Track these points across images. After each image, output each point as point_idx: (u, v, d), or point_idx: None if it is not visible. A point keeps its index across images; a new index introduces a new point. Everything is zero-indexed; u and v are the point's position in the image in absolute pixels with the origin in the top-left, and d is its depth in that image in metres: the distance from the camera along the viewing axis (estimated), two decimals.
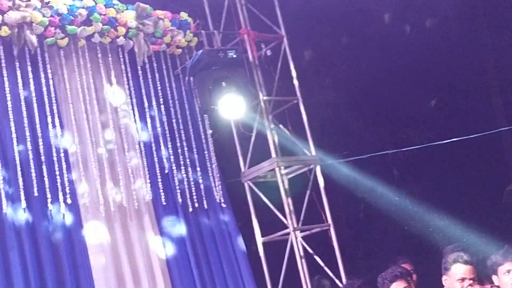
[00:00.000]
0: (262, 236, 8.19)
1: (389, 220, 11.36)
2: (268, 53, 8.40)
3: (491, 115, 12.48)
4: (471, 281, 5.04)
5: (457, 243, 6.29)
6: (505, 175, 11.47)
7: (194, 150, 8.12)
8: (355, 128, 11.70)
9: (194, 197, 7.87)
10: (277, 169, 8.00)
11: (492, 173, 12.16)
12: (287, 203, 7.98)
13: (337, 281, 7.91)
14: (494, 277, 5.08)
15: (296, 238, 7.85)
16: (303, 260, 7.77)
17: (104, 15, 7.53)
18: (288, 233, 7.93)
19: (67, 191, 6.91)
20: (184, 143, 8.05)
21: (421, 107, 12.01)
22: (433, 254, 7.99)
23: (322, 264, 8.01)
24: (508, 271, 4.86)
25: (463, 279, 5.07)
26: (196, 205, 7.86)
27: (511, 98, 12.72)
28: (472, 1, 11.45)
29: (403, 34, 11.15)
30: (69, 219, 6.90)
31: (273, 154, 8.06)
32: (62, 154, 7.02)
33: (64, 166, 7.00)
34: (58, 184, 6.91)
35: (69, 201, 6.90)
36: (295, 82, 8.49)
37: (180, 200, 7.71)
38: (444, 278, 5.24)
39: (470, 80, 12.15)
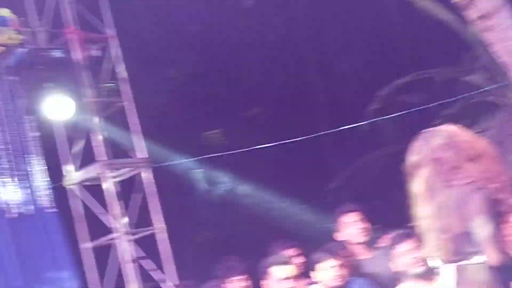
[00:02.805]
0: (91, 241, 8.00)
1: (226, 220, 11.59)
2: (96, 53, 8.18)
3: (313, 121, 13.03)
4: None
5: None
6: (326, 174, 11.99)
7: (20, 152, 7.75)
8: (189, 130, 11.74)
9: (20, 201, 7.52)
10: (104, 172, 7.83)
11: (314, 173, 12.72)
12: (115, 206, 7.82)
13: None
14: (314, 274, 5.23)
15: (128, 241, 7.72)
16: (131, 265, 7.65)
17: None
18: (117, 238, 7.79)
19: None
20: (9, 146, 7.67)
21: (249, 110, 12.32)
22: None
23: (155, 267, 7.94)
24: (327, 268, 5.02)
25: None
26: (22, 210, 7.52)
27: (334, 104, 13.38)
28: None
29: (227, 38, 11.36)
30: None
31: (101, 157, 7.88)
32: None
33: None
34: None
35: None
36: (124, 83, 8.35)
37: (4, 205, 7.35)
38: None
39: (294, 87, 12.64)
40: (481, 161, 3.35)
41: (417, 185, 3.41)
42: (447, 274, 3.40)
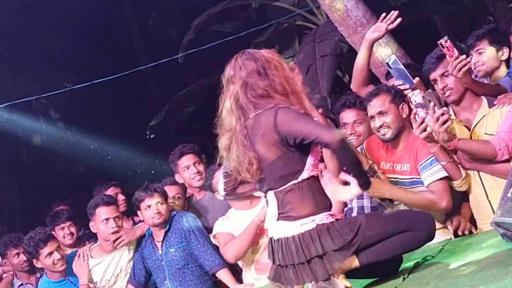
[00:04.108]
0: None
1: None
2: None
3: (132, 55, 12.81)
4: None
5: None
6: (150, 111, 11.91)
7: None
8: None
9: None
10: None
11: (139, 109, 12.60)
12: None
13: None
14: (138, 213, 5.21)
15: None
16: None
17: None
18: None
19: None
20: None
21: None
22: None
23: None
24: (149, 206, 5.01)
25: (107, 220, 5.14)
26: None
27: (148, 31, 13.19)
28: None
29: None
30: None
31: None
32: None
33: None
34: None
35: None
36: None
37: None
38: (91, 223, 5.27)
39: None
40: (288, 96, 3.40)
41: (227, 100, 3.43)
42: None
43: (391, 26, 4.47)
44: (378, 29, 4.49)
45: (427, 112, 3.83)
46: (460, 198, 4.20)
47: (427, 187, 4.06)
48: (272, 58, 3.47)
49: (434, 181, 4.03)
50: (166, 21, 13.46)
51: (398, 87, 4.26)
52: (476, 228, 4.18)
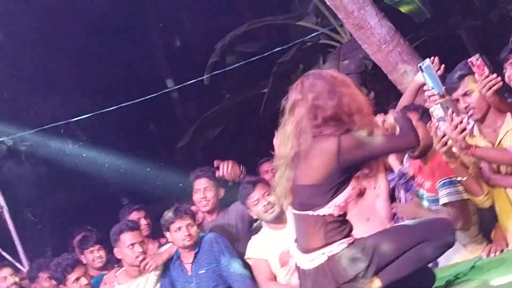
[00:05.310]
0: None
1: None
2: None
3: (158, 78, 12.93)
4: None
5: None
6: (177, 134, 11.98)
7: None
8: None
9: None
10: None
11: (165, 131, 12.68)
12: None
13: (18, 266, 7.52)
14: (167, 234, 5.23)
15: None
16: None
17: None
18: None
19: None
20: None
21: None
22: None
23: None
24: (179, 228, 5.03)
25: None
26: None
27: (173, 55, 13.32)
28: None
29: None
30: None
31: None
32: None
33: None
34: None
35: None
36: None
37: None
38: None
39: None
40: (353, 116, 3.31)
41: (288, 125, 3.36)
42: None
43: (439, 72, 4.36)
44: None
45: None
46: (490, 217, 4.16)
47: (442, 205, 4.03)
48: (338, 75, 3.43)
49: (450, 202, 4.00)
50: (191, 44, 13.58)
51: (426, 92, 4.23)
52: (507, 245, 4.12)
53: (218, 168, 5.34)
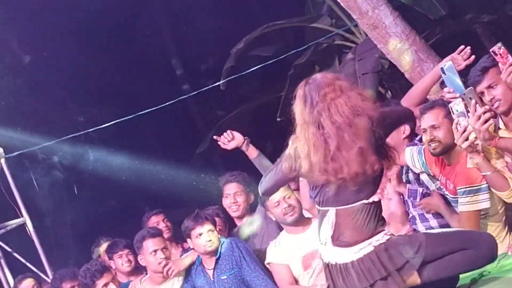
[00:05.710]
0: None
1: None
2: None
3: (175, 84, 12.98)
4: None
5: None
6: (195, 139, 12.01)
7: None
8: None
9: None
10: None
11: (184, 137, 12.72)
12: None
13: (43, 276, 7.57)
14: (188, 241, 5.23)
15: None
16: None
17: None
18: None
19: None
20: None
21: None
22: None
23: (23, 260, 7.60)
24: (200, 234, 5.02)
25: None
26: None
27: (192, 67, 13.37)
28: None
29: None
30: None
31: None
32: None
33: None
34: None
35: None
36: None
37: None
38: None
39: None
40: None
41: (297, 107, 3.59)
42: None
43: (467, 62, 4.36)
44: (456, 61, 4.31)
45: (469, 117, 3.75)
46: None
47: (459, 211, 4.03)
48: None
49: (466, 211, 3.98)
50: (206, 49, 13.61)
51: (447, 94, 4.20)
52: None
53: (217, 142, 5.32)
